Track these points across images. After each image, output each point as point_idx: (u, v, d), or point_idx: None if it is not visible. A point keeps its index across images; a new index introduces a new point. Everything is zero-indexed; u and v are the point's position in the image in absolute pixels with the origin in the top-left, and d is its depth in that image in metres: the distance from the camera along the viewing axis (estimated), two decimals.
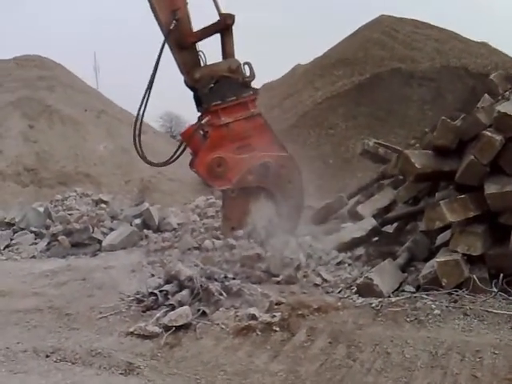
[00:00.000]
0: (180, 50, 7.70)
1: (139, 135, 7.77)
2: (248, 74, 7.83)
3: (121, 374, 4.31)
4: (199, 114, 7.93)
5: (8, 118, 14.21)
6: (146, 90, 7.64)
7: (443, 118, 5.77)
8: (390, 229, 7.38)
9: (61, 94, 14.25)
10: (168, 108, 33.00)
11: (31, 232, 9.24)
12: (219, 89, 7.70)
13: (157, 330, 4.99)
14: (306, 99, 17.69)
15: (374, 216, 7.75)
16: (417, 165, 5.61)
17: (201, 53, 7.85)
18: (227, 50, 7.84)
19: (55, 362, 4.55)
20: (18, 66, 17.00)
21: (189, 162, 7.90)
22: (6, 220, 10.11)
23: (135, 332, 5.02)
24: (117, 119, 15.59)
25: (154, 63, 7.61)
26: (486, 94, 6.20)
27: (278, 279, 6.27)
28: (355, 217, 8.86)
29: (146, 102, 7.69)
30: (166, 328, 5.00)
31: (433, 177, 6.03)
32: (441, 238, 6.12)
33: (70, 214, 9.47)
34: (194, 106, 8.06)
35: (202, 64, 7.84)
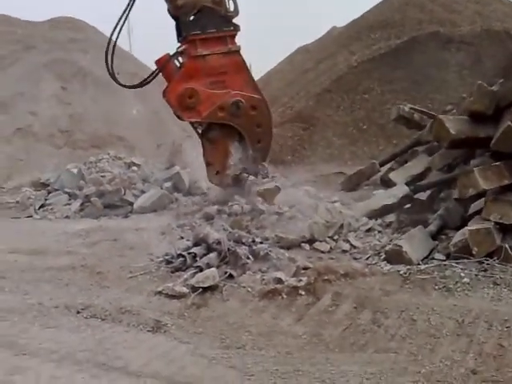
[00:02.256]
0: None
1: (112, 55, 7.80)
2: (232, 9, 7.74)
3: (149, 331, 4.42)
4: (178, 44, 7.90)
5: (41, 80, 14.29)
6: (124, 11, 7.64)
7: (480, 82, 5.57)
8: (423, 196, 7.25)
9: (94, 56, 14.22)
10: None
11: (65, 193, 9.42)
12: (200, 19, 7.65)
13: (184, 290, 5.08)
14: (340, 63, 17.28)
15: (407, 183, 7.63)
16: (451, 130, 5.47)
17: None
18: None
19: (85, 318, 4.69)
20: (52, 27, 17.06)
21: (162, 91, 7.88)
22: (41, 181, 10.34)
23: (163, 291, 5.12)
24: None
25: None
26: None
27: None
28: (387, 184, 8.76)
29: (124, 21, 7.69)
30: (194, 289, 5.08)
31: (468, 143, 5.87)
32: (474, 207, 5.97)
33: (102, 176, 9.59)
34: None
35: None
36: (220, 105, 7.68)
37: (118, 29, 7.74)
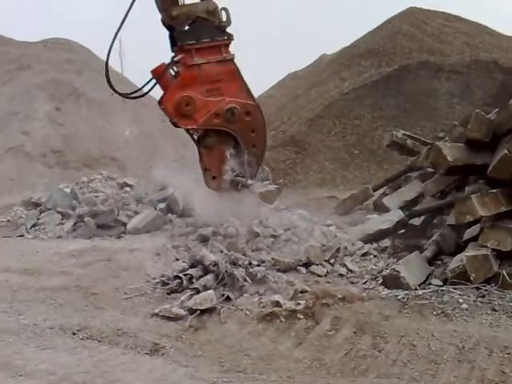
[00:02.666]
0: None
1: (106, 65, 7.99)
2: (224, 19, 7.93)
3: (146, 353, 4.37)
4: (172, 54, 8.03)
5: (35, 99, 14.31)
6: (121, 25, 7.70)
7: (477, 110, 5.67)
8: (416, 222, 7.30)
9: (88, 77, 14.31)
10: None
11: (57, 212, 9.33)
12: (195, 29, 7.84)
13: (182, 312, 5.04)
14: (331, 89, 17.51)
15: (401, 208, 7.69)
16: (449, 157, 5.54)
17: None
18: None
19: (81, 339, 4.63)
20: (47, 48, 17.13)
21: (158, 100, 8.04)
22: (32, 200, 10.23)
23: (160, 313, 5.08)
24: (142, 104, 15.62)
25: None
26: None
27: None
28: (381, 209, 8.81)
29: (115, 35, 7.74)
30: (191, 311, 5.04)
31: (464, 170, 5.95)
32: (468, 233, 6.01)
33: (96, 197, 9.53)
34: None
35: (180, 3, 7.92)
36: (215, 111, 7.85)
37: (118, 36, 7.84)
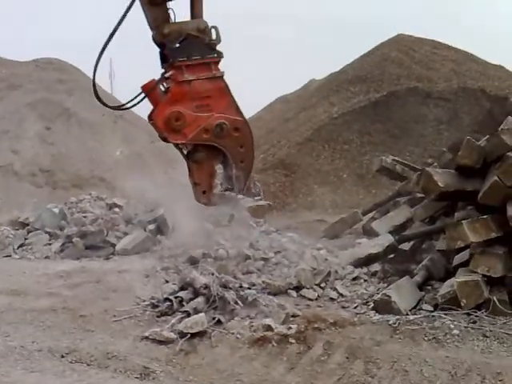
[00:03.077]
0: (151, 5, 8.00)
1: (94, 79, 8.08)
2: (214, 37, 8.13)
3: (136, 377, 4.31)
4: (163, 70, 8.21)
5: (25, 119, 14.31)
6: (109, 37, 7.83)
7: (468, 137, 5.76)
8: (405, 246, 7.34)
9: (79, 97, 14.33)
10: None
11: (45, 232, 9.24)
12: (186, 46, 8.04)
13: (172, 335, 4.98)
14: (320, 114, 17.69)
15: (390, 233, 7.73)
16: (440, 183, 5.60)
17: (171, 10, 8.14)
18: (196, 10, 8.20)
19: (70, 362, 4.56)
20: (38, 68, 17.16)
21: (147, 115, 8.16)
22: (20, 220, 10.12)
23: (150, 337, 5.01)
24: (132, 125, 15.67)
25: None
26: (509, 116, 6.17)
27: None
28: (370, 233, 8.85)
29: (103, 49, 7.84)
30: (182, 334, 4.98)
31: (455, 196, 6.01)
32: (458, 258, 6.06)
33: (84, 217, 9.47)
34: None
35: (171, 21, 8.11)
36: (205, 127, 8.06)
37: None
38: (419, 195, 8.07)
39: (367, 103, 16.57)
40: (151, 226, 9.10)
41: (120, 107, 8.78)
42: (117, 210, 10.25)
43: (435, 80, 17.15)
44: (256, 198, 8.66)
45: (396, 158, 10.07)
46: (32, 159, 13.36)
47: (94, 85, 8.17)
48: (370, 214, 9.81)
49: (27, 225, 9.72)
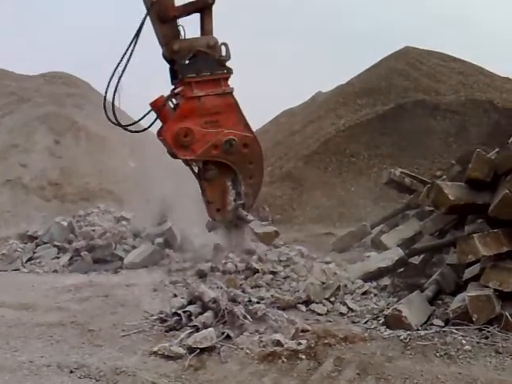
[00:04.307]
0: (161, 22, 8.01)
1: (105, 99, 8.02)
2: (224, 53, 8.13)
3: None
4: (172, 86, 8.21)
5: (34, 132, 14.41)
6: (127, 59, 7.79)
7: (478, 150, 5.73)
8: (415, 260, 7.29)
9: (88, 111, 14.46)
10: None
11: (54, 246, 9.26)
12: (195, 63, 8.05)
13: (181, 351, 4.93)
14: (328, 126, 17.72)
15: (399, 246, 7.68)
16: (450, 196, 5.55)
17: (180, 27, 8.15)
18: (206, 27, 8.19)
19: (79, 378, 4.52)
20: (46, 82, 17.31)
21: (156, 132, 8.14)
22: (29, 233, 10.15)
23: (159, 352, 4.96)
24: (140, 138, 15.72)
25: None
26: None
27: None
28: (378, 246, 8.81)
29: (123, 71, 7.83)
30: (190, 349, 4.93)
31: (465, 209, 5.95)
32: (468, 272, 6.01)
33: (92, 230, 9.48)
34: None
35: (181, 38, 8.12)
36: (214, 143, 8.01)
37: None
38: (428, 208, 8.02)
39: (374, 116, 16.58)
40: (159, 240, 9.11)
41: (129, 127, 8.56)
42: (124, 223, 10.27)
43: (443, 92, 17.17)
44: (264, 222, 8.62)
45: (405, 171, 10.03)
46: (41, 172, 13.42)
47: (105, 108, 8.06)
48: (379, 227, 9.76)
49: (36, 238, 9.75)
